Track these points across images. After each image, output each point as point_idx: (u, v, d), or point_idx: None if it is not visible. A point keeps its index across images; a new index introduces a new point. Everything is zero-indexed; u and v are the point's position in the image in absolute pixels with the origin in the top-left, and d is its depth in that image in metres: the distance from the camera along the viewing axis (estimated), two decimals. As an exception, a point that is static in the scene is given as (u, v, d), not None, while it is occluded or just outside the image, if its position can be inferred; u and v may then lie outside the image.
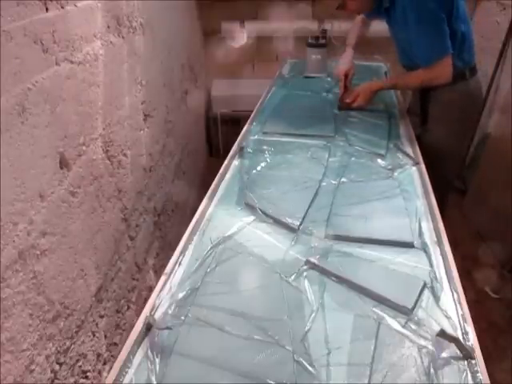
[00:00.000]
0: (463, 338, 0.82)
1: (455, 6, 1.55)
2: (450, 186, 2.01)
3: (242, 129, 1.74)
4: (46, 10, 0.99)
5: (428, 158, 1.54)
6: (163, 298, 0.93)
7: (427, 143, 1.73)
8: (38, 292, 0.97)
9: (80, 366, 1.19)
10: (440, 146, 1.75)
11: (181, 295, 0.94)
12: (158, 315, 0.89)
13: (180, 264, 1.03)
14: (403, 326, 0.86)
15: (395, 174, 1.40)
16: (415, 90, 1.93)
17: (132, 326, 0.87)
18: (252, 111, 1.91)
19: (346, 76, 1.92)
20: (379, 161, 1.47)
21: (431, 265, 1.01)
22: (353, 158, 1.50)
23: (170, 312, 0.90)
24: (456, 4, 1.55)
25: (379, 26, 2.92)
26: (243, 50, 2.91)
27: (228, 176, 1.42)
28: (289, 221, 1.16)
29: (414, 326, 0.86)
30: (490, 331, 1.81)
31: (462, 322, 0.86)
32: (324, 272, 1.00)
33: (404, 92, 2.22)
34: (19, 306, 0.90)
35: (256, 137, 1.67)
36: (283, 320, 0.88)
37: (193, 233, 1.13)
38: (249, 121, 1.81)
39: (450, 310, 0.89)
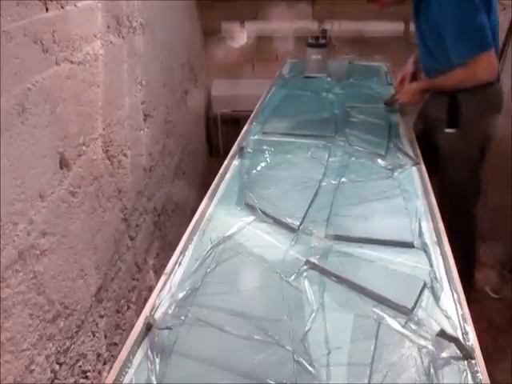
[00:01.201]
0: (463, 338, 0.82)
1: (493, 1, 1.48)
2: (469, 213, 1.81)
3: (241, 129, 1.74)
4: (46, 10, 0.99)
5: (446, 163, 1.54)
6: (163, 298, 0.93)
7: (452, 148, 1.66)
8: (38, 292, 0.97)
9: (80, 366, 1.19)
10: (469, 153, 1.66)
11: (181, 295, 0.94)
12: (158, 315, 0.89)
13: (180, 264, 1.03)
14: (403, 326, 0.86)
15: (395, 173, 1.40)
16: (433, 94, 1.78)
17: (132, 326, 0.87)
18: (252, 111, 1.91)
19: (404, 79, 1.91)
20: (379, 161, 1.47)
21: (431, 265, 1.01)
22: (353, 158, 1.50)
23: (170, 312, 0.90)
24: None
25: (379, 26, 2.94)
26: (243, 50, 2.91)
27: (228, 176, 1.42)
28: (289, 221, 1.16)
29: (414, 326, 0.85)
30: (490, 331, 1.81)
31: (462, 322, 0.86)
32: (324, 272, 0.99)
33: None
34: (19, 305, 0.90)
35: (256, 137, 1.67)
36: (283, 320, 0.88)
37: (193, 233, 1.13)
38: (249, 121, 1.81)
39: (450, 310, 0.89)
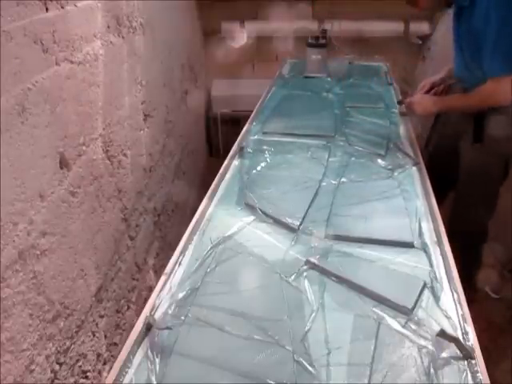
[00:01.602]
0: (463, 338, 0.82)
1: None
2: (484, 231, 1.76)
3: (242, 129, 1.74)
4: (46, 10, 0.99)
5: (468, 177, 1.49)
6: (163, 298, 0.93)
7: (476, 162, 1.58)
8: (38, 292, 0.97)
9: (80, 366, 1.19)
10: (492, 168, 1.59)
11: (181, 295, 0.94)
12: (158, 315, 0.89)
13: (180, 264, 1.03)
14: (403, 326, 0.86)
15: (395, 173, 1.40)
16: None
17: (132, 326, 0.87)
18: (252, 111, 1.91)
19: (432, 87, 1.84)
20: (379, 161, 1.48)
21: (431, 265, 1.01)
22: (353, 158, 1.50)
23: (170, 312, 0.90)
24: None
25: (379, 26, 2.94)
26: (243, 50, 2.91)
27: (228, 176, 1.42)
28: (289, 221, 1.16)
29: (414, 326, 0.86)
30: (489, 331, 1.81)
31: (462, 322, 0.86)
32: (324, 272, 1.00)
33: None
34: (19, 305, 0.90)
35: (256, 137, 1.67)
36: (283, 320, 0.88)
37: (193, 233, 1.13)
38: (249, 121, 1.81)
39: (450, 310, 0.89)
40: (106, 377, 0.79)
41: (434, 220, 1.17)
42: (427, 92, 1.84)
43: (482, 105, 1.50)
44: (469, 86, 1.55)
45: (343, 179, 1.37)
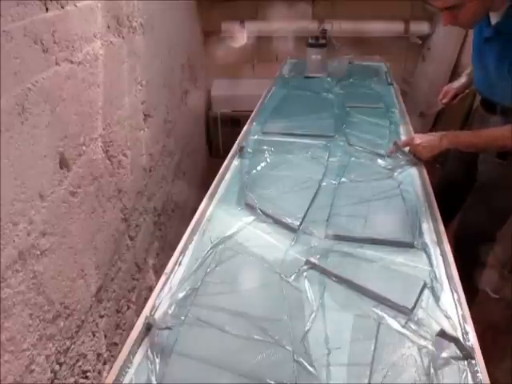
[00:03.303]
0: (463, 338, 0.82)
1: None
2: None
3: (242, 129, 1.74)
4: (46, 10, 0.99)
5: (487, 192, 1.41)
6: (163, 298, 0.93)
7: (496, 178, 1.48)
8: (38, 292, 0.97)
9: (80, 366, 1.19)
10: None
11: (181, 295, 0.94)
12: (157, 315, 0.89)
13: (180, 264, 1.03)
14: (403, 326, 0.86)
15: (395, 173, 1.40)
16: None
17: (132, 326, 0.87)
18: (252, 111, 1.91)
19: (450, 96, 1.76)
20: (379, 161, 1.47)
21: (431, 265, 1.01)
22: (353, 158, 1.50)
23: (170, 312, 0.90)
24: None
25: (379, 26, 2.94)
26: (243, 50, 2.91)
27: (228, 176, 1.42)
28: (289, 221, 1.16)
29: (414, 326, 0.86)
30: (489, 331, 1.81)
31: (462, 321, 0.86)
32: (324, 272, 1.00)
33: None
34: (19, 305, 0.90)
35: (256, 137, 1.67)
36: (283, 320, 0.88)
37: (193, 233, 1.13)
38: (249, 121, 1.81)
39: (450, 310, 0.89)
40: (106, 377, 0.79)
41: (434, 220, 1.17)
42: (452, 99, 1.76)
43: (497, 149, 1.40)
44: (491, 101, 1.45)
45: (343, 179, 1.37)
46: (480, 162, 1.55)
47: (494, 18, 1.30)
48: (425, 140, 1.46)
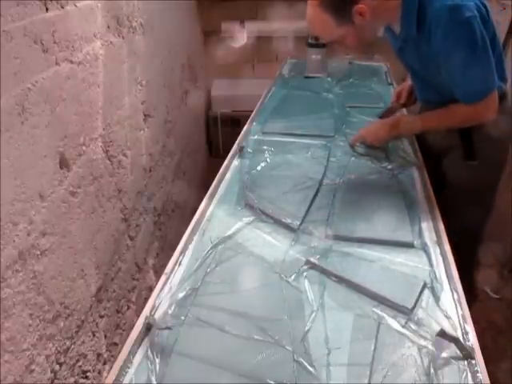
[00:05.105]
0: (463, 338, 0.82)
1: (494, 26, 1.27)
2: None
3: (241, 129, 1.74)
4: (46, 10, 0.99)
5: (462, 198, 1.39)
6: (163, 298, 0.93)
7: (472, 181, 1.44)
8: (38, 292, 0.97)
9: (80, 366, 1.19)
10: (487, 183, 1.49)
11: (181, 295, 0.94)
12: (158, 315, 0.89)
13: (180, 264, 1.03)
14: (403, 326, 0.86)
15: (395, 173, 1.40)
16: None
17: (132, 326, 0.87)
18: (252, 111, 1.91)
19: (406, 95, 1.73)
20: (379, 161, 1.47)
21: (431, 265, 1.01)
22: (353, 158, 1.50)
23: (170, 312, 0.90)
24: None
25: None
26: (243, 49, 2.91)
27: (228, 176, 1.42)
28: (289, 221, 1.16)
29: (414, 326, 0.86)
30: (489, 331, 1.81)
31: (462, 321, 0.86)
32: (324, 272, 1.00)
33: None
34: (19, 305, 0.90)
35: (256, 137, 1.67)
36: (283, 320, 0.88)
37: (193, 233, 1.13)
38: (249, 121, 1.80)
39: (449, 310, 0.89)
40: (106, 377, 0.79)
41: (434, 220, 1.17)
42: (409, 97, 1.71)
43: (461, 125, 1.38)
44: (433, 107, 1.43)
45: (343, 179, 1.37)
46: (446, 166, 1.51)
47: (397, 29, 1.35)
48: (372, 132, 1.54)
